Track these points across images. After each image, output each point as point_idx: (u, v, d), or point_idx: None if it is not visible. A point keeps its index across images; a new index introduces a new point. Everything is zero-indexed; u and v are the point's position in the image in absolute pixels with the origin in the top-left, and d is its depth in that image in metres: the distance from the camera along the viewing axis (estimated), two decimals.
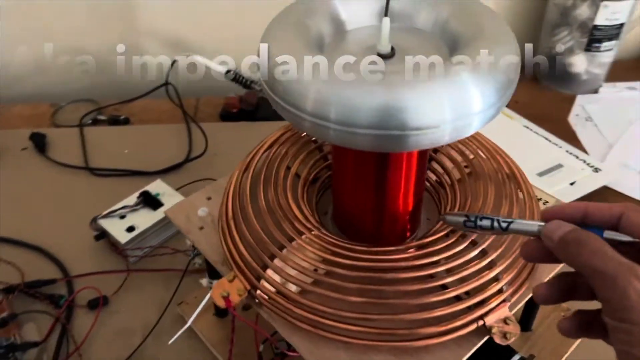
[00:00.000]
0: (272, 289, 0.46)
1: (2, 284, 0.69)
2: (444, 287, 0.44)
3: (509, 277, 0.45)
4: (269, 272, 0.46)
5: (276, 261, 0.46)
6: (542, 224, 0.34)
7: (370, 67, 0.41)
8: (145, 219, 0.74)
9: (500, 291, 0.45)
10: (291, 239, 0.46)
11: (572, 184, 0.83)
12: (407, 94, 0.36)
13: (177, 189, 0.80)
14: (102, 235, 0.74)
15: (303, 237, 0.47)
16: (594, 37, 0.97)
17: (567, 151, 0.89)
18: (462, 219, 0.38)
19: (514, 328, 0.44)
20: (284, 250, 0.46)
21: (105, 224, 0.74)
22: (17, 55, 1.04)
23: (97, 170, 0.87)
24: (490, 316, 0.44)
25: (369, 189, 0.47)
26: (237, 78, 0.95)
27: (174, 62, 0.96)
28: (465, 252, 0.45)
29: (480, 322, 0.44)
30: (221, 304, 0.46)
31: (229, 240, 0.49)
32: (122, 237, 0.72)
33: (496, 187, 0.51)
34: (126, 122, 0.98)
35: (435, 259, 0.44)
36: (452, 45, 0.41)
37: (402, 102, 0.36)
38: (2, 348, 0.61)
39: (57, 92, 1.08)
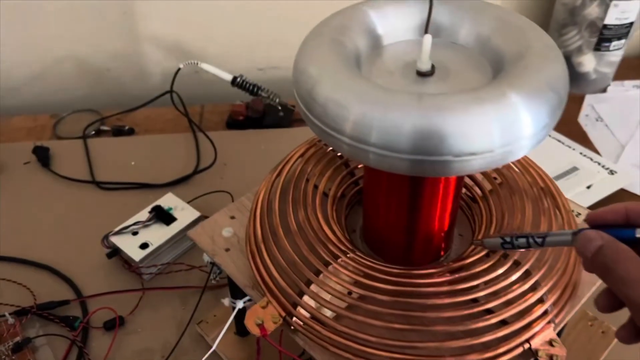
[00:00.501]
0: (307, 315, 0.44)
1: (13, 307, 0.67)
2: (489, 311, 0.42)
3: (554, 298, 0.44)
4: (306, 298, 0.44)
5: (312, 287, 0.44)
6: (574, 231, 0.34)
7: (413, 88, 0.39)
8: (158, 234, 0.72)
9: (545, 313, 0.43)
10: (327, 263, 0.45)
11: (588, 187, 0.82)
12: (454, 118, 0.35)
13: (189, 202, 0.78)
14: (115, 252, 0.72)
15: (339, 260, 0.45)
16: (604, 37, 0.96)
17: (580, 153, 0.88)
18: (499, 241, 0.39)
19: (560, 350, 0.43)
20: (321, 275, 0.44)
21: (118, 241, 0.72)
22: (16, 63, 1.02)
23: (104, 183, 0.85)
24: (536, 339, 0.43)
25: (403, 210, 0.46)
26: (243, 85, 0.93)
27: (178, 70, 0.94)
28: (508, 274, 0.43)
29: (526, 346, 0.42)
30: (256, 332, 0.44)
31: (259, 263, 0.47)
32: (136, 254, 0.70)
33: (532, 202, 0.49)
34: (131, 132, 0.95)
35: (477, 282, 0.43)
36: (496, 62, 0.40)
37: (448, 127, 0.34)
38: None
39: (56, 101, 1.06)
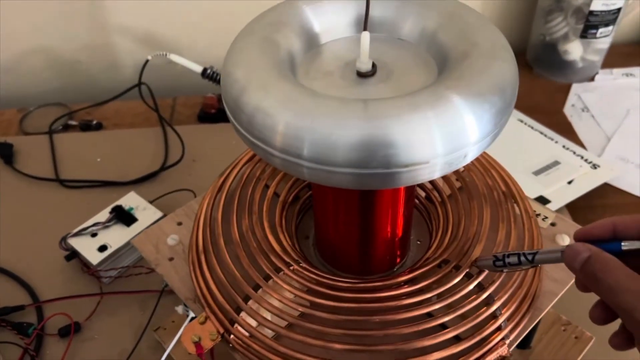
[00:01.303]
0: (247, 333, 0.41)
1: None
2: (443, 326, 0.39)
3: (508, 313, 0.41)
4: (243, 315, 0.41)
5: (250, 303, 0.41)
6: (564, 247, 0.33)
7: (352, 92, 0.36)
8: (118, 236, 0.70)
9: (499, 328, 0.40)
10: (267, 277, 0.42)
11: (569, 182, 0.79)
12: (392, 127, 0.31)
13: (152, 202, 0.75)
14: (73, 255, 0.70)
15: (280, 274, 0.42)
16: (590, 23, 0.92)
17: (563, 146, 0.85)
18: (492, 260, 0.38)
19: None
20: (259, 291, 0.41)
21: (76, 243, 0.69)
22: None
23: (67, 181, 0.82)
24: (489, 357, 0.40)
25: (353, 219, 0.43)
26: (214, 77, 0.90)
27: (146, 62, 0.91)
28: (461, 286, 0.41)
29: None
30: (192, 350, 0.41)
31: (199, 276, 0.44)
32: (94, 257, 0.67)
33: (492, 207, 0.46)
34: (99, 127, 0.92)
35: (430, 295, 0.40)
36: (441, 60, 0.36)
37: (386, 137, 0.31)
38: None
39: (24, 95, 1.03)
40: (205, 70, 0.90)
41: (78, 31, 0.98)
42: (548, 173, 0.80)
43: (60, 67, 1.02)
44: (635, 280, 0.30)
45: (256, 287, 0.42)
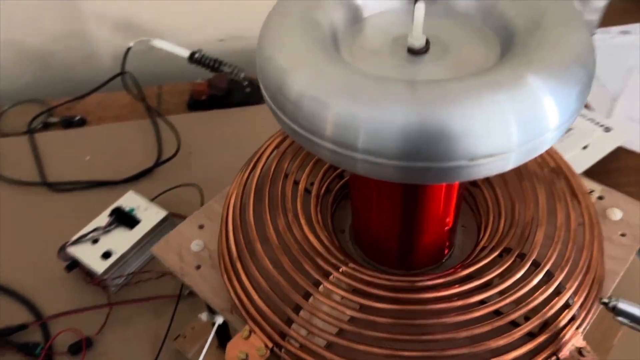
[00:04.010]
0: (297, 344, 0.38)
1: None
2: (514, 323, 0.36)
3: (580, 300, 0.38)
4: (295, 327, 0.37)
5: (302, 313, 0.37)
6: None
7: (406, 72, 0.32)
8: (121, 240, 0.65)
9: (572, 318, 0.38)
10: (317, 283, 0.38)
11: (584, 147, 0.76)
12: (462, 114, 0.27)
13: (152, 200, 0.70)
14: (74, 264, 0.65)
15: (331, 277, 0.38)
16: None
17: None
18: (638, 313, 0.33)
19: (592, 358, 0.37)
20: (311, 299, 0.38)
21: (76, 251, 0.64)
22: None
23: (56, 184, 0.76)
24: (564, 349, 0.37)
25: (402, 212, 0.39)
26: (203, 61, 0.84)
27: (128, 49, 0.84)
28: (527, 277, 0.37)
29: (553, 359, 0.37)
30: None
31: (237, 286, 0.40)
32: (99, 265, 0.62)
33: (545, 186, 0.43)
34: (82, 123, 0.86)
35: (498, 289, 0.37)
36: (504, 34, 0.32)
37: (456, 126, 0.27)
38: None
39: None
40: (192, 54, 0.84)
41: (49, 20, 0.91)
42: (562, 140, 0.76)
43: (32, 60, 0.94)
44: None
45: (306, 295, 0.38)
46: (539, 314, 0.36)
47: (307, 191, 0.45)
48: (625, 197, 0.48)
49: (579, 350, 0.37)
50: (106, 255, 0.63)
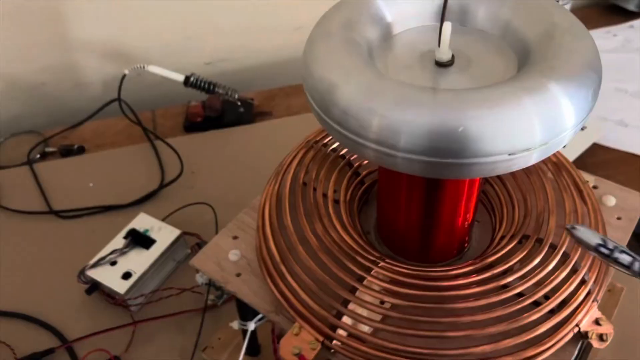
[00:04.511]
0: (345, 334, 0.41)
1: None
2: (536, 303, 0.40)
3: (594, 275, 0.43)
4: (345, 318, 0.41)
5: (350, 305, 0.41)
6: None
7: (438, 83, 0.36)
8: (140, 260, 0.67)
9: (589, 293, 0.42)
10: (361, 278, 0.42)
11: (564, 146, 0.82)
12: (493, 117, 0.32)
13: (163, 219, 0.72)
14: (94, 287, 0.66)
15: (372, 272, 0.42)
16: None
17: None
18: (596, 241, 0.35)
19: (607, 328, 0.42)
20: (357, 292, 0.41)
21: (96, 274, 0.66)
22: None
23: (63, 212, 0.78)
24: (584, 321, 0.41)
25: (427, 208, 0.43)
26: (198, 84, 0.88)
27: (124, 76, 0.87)
28: (546, 261, 0.42)
29: (576, 330, 0.41)
30: None
31: (282, 287, 0.44)
32: (120, 286, 0.64)
33: (551, 180, 0.48)
34: (81, 150, 0.88)
35: (517, 275, 0.41)
36: (520, 47, 0.37)
37: (488, 127, 0.32)
38: None
39: None
40: (187, 78, 0.87)
41: (38, 52, 0.93)
42: None
43: (23, 92, 0.96)
44: None
45: (352, 290, 0.41)
46: (559, 292, 0.41)
47: (335, 201, 0.49)
48: (616, 185, 0.53)
49: (596, 321, 0.42)
50: (126, 275, 0.65)
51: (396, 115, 0.33)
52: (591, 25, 1.09)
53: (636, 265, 0.34)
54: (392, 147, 0.33)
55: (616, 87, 0.97)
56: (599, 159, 0.84)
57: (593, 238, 0.35)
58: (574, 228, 0.36)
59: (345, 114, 0.34)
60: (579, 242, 0.37)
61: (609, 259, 0.35)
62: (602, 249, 0.35)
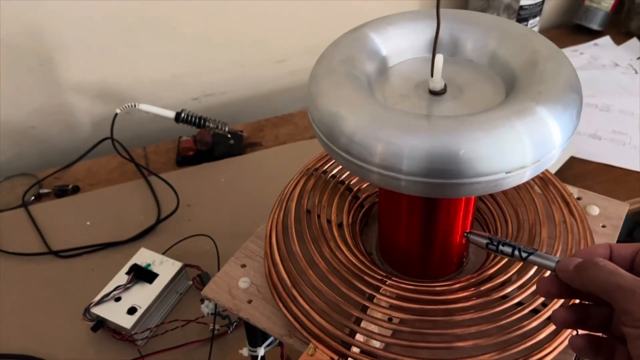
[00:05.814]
0: (358, 351, 0.43)
1: None
2: (535, 311, 0.43)
3: None
4: (358, 336, 0.43)
5: (363, 323, 0.43)
6: (559, 259, 0.35)
7: (433, 110, 0.39)
8: (144, 295, 0.68)
9: None
10: (371, 297, 0.44)
11: None
12: (488, 140, 0.35)
13: (163, 253, 0.74)
14: (100, 324, 0.67)
15: (381, 290, 0.44)
16: (521, 17, 1.02)
17: None
18: (485, 241, 0.40)
19: None
20: (368, 310, 0.43)
21: (101, 311, 0.67)
22: None
23: (62, 252, 0.79)
24: None
25: (432, 227, 0.46)
26: (189, 119, 0.90)
27: (116, 115, 0.89)
28: (542, 270, 0.45)
29: (574, 332, 0.44)
30: None
31: (295, 310, 0.46)
32: (126, 321, 0.66)
33: (539, 194, 0.51)
34: (76, 190, 0.89)
35: (517, 285, 0.44)
36: (507, 74, 0.40)
37: (483, 149, 0.35)
38: None
39: None
40: (178, 114, 0.89)
41: (27, 95, 0.94)
42: None
43: (14, 135, 0.97)
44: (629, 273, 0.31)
45: (364, 308, 0.44)
46: (555, 300, 0.43)
47: (338, 225, 0.52)
48: (598, 195, 0.56)
49: None
50: (131, 310, 0.67)
51: (400, 142, 0.36)
52: (559, 45, 1.14)
53: (516, 253, 0.38)
54: (396, 171, 0.36)
55: (586, 102, 1.01)
56: (577, 171, 0.89)
57: (481, 239, 0.40)
58: (467, 234, 0.42)
59: (351, 142, 0.37)
60: (474, 243, 0.42)
61: (498, 252, 0.39)
62: (491, 246, 0.40)
